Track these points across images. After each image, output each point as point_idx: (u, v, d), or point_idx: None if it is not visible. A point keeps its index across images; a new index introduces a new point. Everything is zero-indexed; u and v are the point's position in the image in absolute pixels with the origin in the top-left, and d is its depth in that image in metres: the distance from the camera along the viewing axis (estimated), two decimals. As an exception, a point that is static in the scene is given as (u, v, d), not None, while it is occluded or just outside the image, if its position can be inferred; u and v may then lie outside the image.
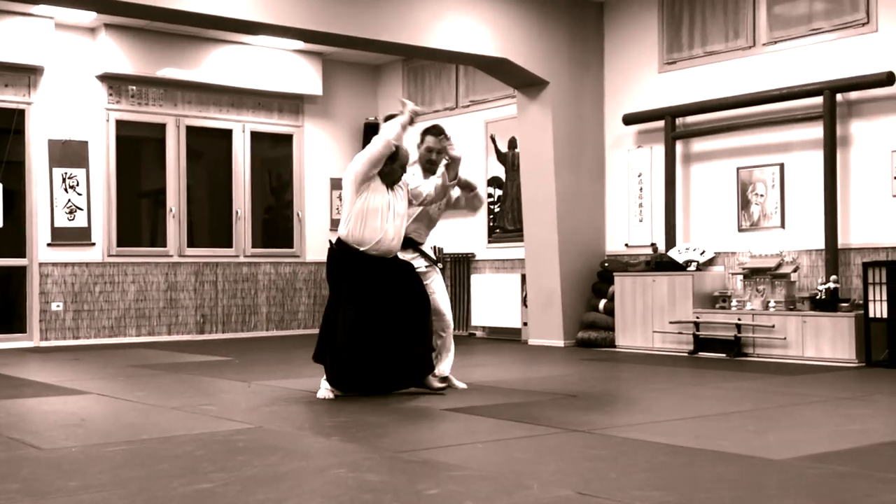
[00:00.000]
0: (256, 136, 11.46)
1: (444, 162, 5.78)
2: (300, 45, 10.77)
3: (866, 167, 7.81)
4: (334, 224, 11.94)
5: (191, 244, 10.96)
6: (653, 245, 9.10)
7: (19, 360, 8.35)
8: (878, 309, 7.23)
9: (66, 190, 10.13)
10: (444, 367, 5.90)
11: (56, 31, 9.94)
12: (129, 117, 10.60)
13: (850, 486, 3.28)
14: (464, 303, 10.85)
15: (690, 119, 9.03)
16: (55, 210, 10.07)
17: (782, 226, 8.33)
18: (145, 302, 10.60)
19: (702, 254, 8.63)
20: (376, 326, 5.58)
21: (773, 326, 7.78)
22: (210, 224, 11.34)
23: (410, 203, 5.79)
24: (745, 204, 8.60)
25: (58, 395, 5.92)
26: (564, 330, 9.38)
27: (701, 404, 5.37)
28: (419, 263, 5.89)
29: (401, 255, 5.78)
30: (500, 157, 10.72)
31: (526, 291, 9.87)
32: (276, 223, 11.75)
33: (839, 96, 7.88)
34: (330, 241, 5.81)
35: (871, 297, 7.28)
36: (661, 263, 8.73)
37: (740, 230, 8.62)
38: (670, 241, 8.95)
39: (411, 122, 5.71)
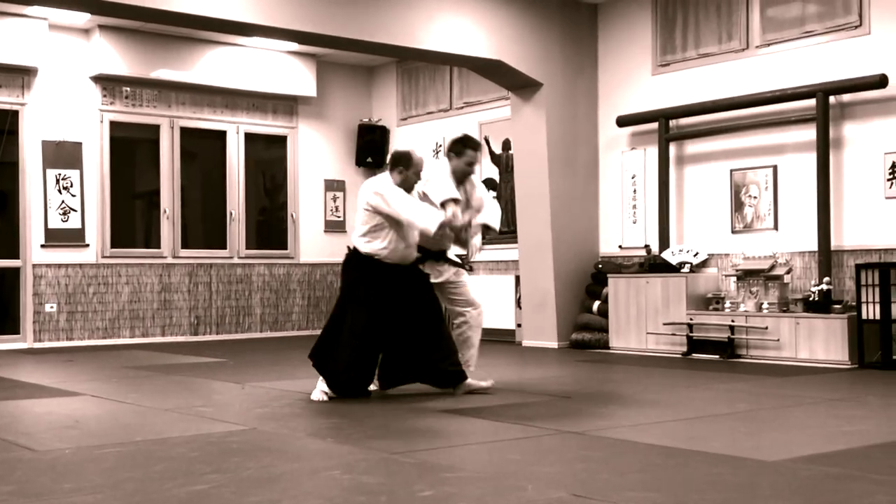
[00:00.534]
0: (250, 138, 11.46)
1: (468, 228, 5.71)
2: (294, 46, 10.77)
3: (859, 169, 7.83)
4: (328, 225, 11.95)
5: (185, 245, 10.96)
6: (646, 247, 9.11)
7: (13, 362, 8.33)
8: (871, 311, 7.25)
9: (59, 191, 10.11)
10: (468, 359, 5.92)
11: (50, 32, 9.93)
12: (123, 118, 10.59)
13: (843, 487, 3.29)
14: (458, 304, 10.83)
15: (684, 121, 9.05)
16: (49, 211, 10.05)
17: (775, 228, 8.35)
18: (139, 303, 10.59)
19: (695, 255, 8.65)
20: (387, 331, 5.61)
21: (767, 328, 7.80)
22: (204, 225, 11.34)
23: None
24: (738, 206, 8.63)
25: (51, 397, 5.91)
26: (558, 331, 9.39)
27: (694, 406, 5.38)
28: (446, 271, 5.89)
29: (431, 268, 5.80)
30: (494, 158, 10.73)
31: (520, 293, 9.89)
32: (270, 224, 11.75)
33: (832, 98, 7.90)
34: (348, 247, 5.81)
35: (863, 298, 7.30)
36: (654, 265, 8.75)
37: (734, 232, 8.64)
38: (664, 243, 8.97)
39: (451, 230, 5.62)
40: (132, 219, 10.96)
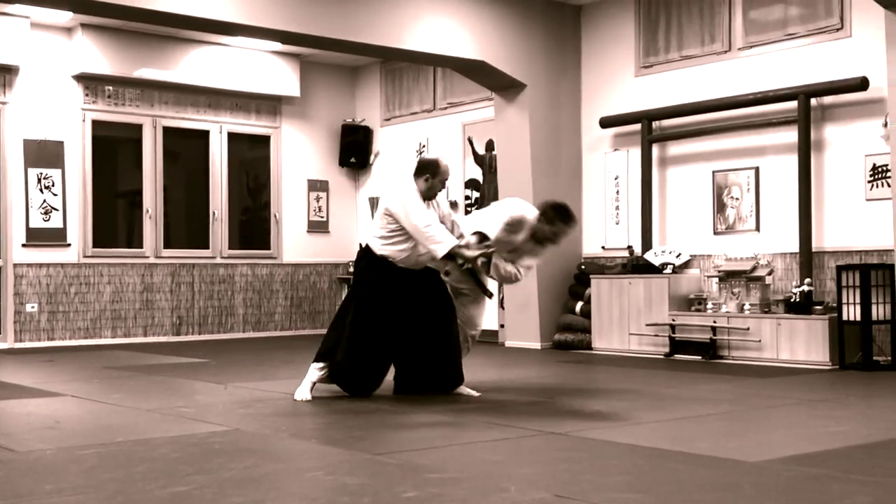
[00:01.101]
0: (234, 137, 11.42)
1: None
2: (278, 46, 10.74)
3: (840, 171, 7.88)
4: (311, 226, 11.93)
5: (167, 245, 10.91)
6: (629, 248, 9.14)
7: (-7, 362, 8.28)
8: (852, 312, 7.29)
9: (41, 190, 10.05)
10: None
11: (32, 31, 9.86)
12: (106, 118, 10.53)
13: (824, 487, 3.31)
14: (441, 305, 10.84)
15: (667, 122, 9.08)
16: (30, 210, 9.99)
17: (757, 229, 8.39)
18: (121, 303, 10.54)
19: (678, 256, 8.68)
20: (397, 331, 5.65)
21: (748, 329, 7.84)
22: (187, 225, 11.29)
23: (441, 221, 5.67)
24: (720, 207, 8.67)
25: (32, 398, 5.88)
26: (541, 332, 9.41)
27: (676, 406, 5.40)
28: (466, 282, 5.94)
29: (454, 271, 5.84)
30: (478, 159, 10.74)
31: (503, 293, 9.89)
32: (253, 224, 11.71)
33: (813, 101, 7.94)
34: (360, 245, 5.82)
35: (844, 300, 7.34)
36: (637, 266, 8.78)
37: (716, 233, 8.68)
38: (647, 244, 9.00)
39: (473, 265, 5.61)
40: (114, 218, 10.90)
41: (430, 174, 5.60)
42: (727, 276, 8.20)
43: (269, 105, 11.64)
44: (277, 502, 3.13)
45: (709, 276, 8.54)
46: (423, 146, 11.14)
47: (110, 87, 10.53)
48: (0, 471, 3.66)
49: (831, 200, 7.93)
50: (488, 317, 10.13)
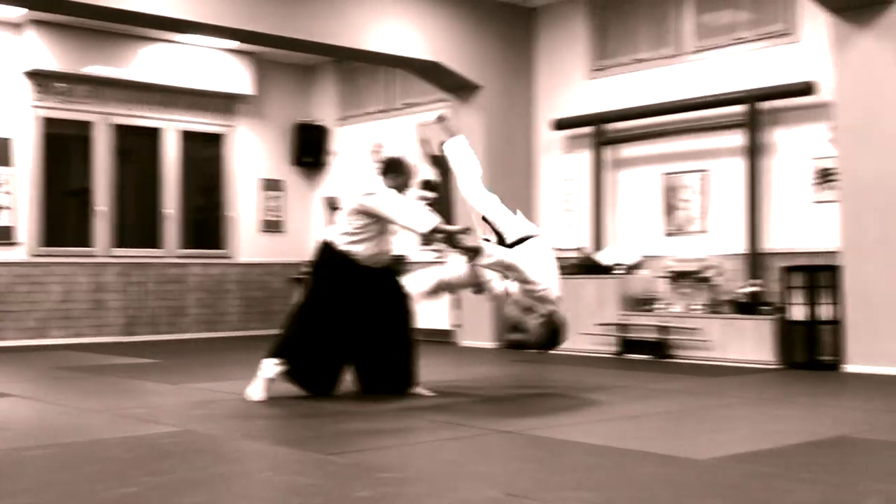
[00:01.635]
0: (187, 136, 11.33)
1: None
2: (233, 44, 10.68)
3: (787, 174, 8.02)
4: (265, 225, 11.87)
5: (118, 244, 10.80)
6: (580, 249, 9.22)
7: (-61, 363, 8.14)
8: (798, 312, 7.43)
9: (-12, 188, 9.91)
10: None
11: (-21, 26, 9.73)
12: (56, 115, 10.40)
13: (771, 485, 3.38)
14: (395, 305, 10.84)
15: (618, 125, 9.17)
16: (-23, 209, 9.84)
17: (706, 231, 8.51)
18: (71, 303, 10.41)
19: (628, 257, 8.77)
20: (353, 329, 5.64)
21: (697, 329, 7.95)
22: (138, 224, 11.17)
23: None
24: (670, 209, 8.78)
25: (-21, 399, 5.80)
26: (495, 332, 9.46)
27: (627, 405, 5.47)
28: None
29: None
30: (434, 160, 10.75)
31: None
32: (205, 224, 11.63)
33: (762, 105, 8.07)
34: (321, 241, 5.80)
35: (790, 300, 7.48)
36: (588, 266, 8.86)
37: (666, 234, 8.79)
38: (598, 245, 9.09)
39: (445, 237, 5.47)
40: (64, 217, 10.75)
41: (396, 173, 5.66)
42: (677, 277, 8.32)
43: (224, 103, 11.56)
44: None
45: (659, 277, 8.65)
46: (381, 147, 11.13)
47: (61, 84, 10.40)
48: (-53, 473, 3.61)
49: (778, 203, 8.07)
50: (444, 316, 10.21)
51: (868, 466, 3.77)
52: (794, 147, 7.99)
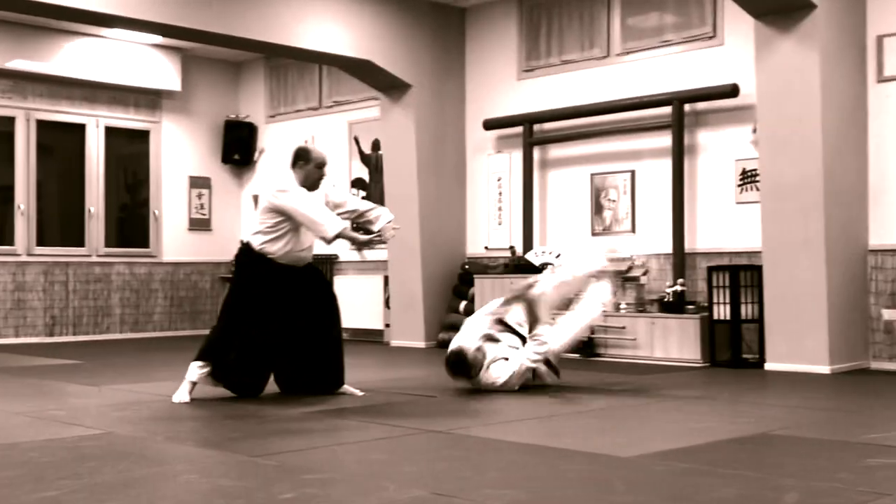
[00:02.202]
0: (111, 132, 11.12)
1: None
2: (158, 39, 10.51)
3: (712, 175, 8.17)
4: (193, 223, 11.71)
5: (40, 243, 10.55)
6: (511, 248, 9.28)
7: None
8: (722, 311, 7.58)
9: None
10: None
11: None
12: (-26, 109, 10.14)
13: (694, 482, 3.44)
14: (325, 304, 10.78)
15: (547, 126, 9.25)
16: None
17: (633, 230, 8.63)
18: (-10, 303, 10.15)
19: (557, 257, 8.84)
20: (277, 329, 5.59)
21: (624, 328, 8.05)
22: (61, 222, 10.94)
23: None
24: (598, 209, 8.88)
25: None
26: (426, 331, 9.46)
27: (553, 404, 5.51)
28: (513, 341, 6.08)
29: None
30: (364, 158, 10.73)
31: (388, 293, 9.91)
32: (131, 222, 11.42)
33: (687, 106, 8.21)
34: (241, 241, 5.74)
35: (715, 299, 7.62)
36: (518, 266, 8.91)
37: (594, 234, 8.88)
38: (528, 244, 9.15)
39: (352, 242, 5.71)
40: (-17, 214, 10.50)
41: (303, 160, 5.62)
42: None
43: (149, 99, 11.38)
44: (151, 506, 3.08)
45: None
46: (306, 141, 11.06)
47: (-20, 78, 10.13)
48: None
49: (703, 203, 8.21)
50: (374, 317, 10.19)
51: (787, 463, 3.86)
52: (718, 148, 8.14)
